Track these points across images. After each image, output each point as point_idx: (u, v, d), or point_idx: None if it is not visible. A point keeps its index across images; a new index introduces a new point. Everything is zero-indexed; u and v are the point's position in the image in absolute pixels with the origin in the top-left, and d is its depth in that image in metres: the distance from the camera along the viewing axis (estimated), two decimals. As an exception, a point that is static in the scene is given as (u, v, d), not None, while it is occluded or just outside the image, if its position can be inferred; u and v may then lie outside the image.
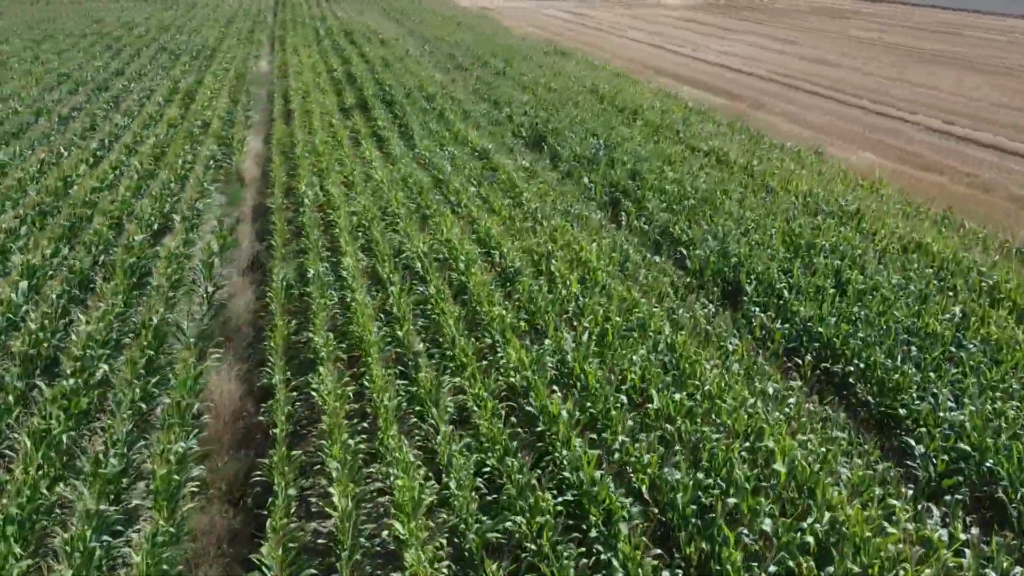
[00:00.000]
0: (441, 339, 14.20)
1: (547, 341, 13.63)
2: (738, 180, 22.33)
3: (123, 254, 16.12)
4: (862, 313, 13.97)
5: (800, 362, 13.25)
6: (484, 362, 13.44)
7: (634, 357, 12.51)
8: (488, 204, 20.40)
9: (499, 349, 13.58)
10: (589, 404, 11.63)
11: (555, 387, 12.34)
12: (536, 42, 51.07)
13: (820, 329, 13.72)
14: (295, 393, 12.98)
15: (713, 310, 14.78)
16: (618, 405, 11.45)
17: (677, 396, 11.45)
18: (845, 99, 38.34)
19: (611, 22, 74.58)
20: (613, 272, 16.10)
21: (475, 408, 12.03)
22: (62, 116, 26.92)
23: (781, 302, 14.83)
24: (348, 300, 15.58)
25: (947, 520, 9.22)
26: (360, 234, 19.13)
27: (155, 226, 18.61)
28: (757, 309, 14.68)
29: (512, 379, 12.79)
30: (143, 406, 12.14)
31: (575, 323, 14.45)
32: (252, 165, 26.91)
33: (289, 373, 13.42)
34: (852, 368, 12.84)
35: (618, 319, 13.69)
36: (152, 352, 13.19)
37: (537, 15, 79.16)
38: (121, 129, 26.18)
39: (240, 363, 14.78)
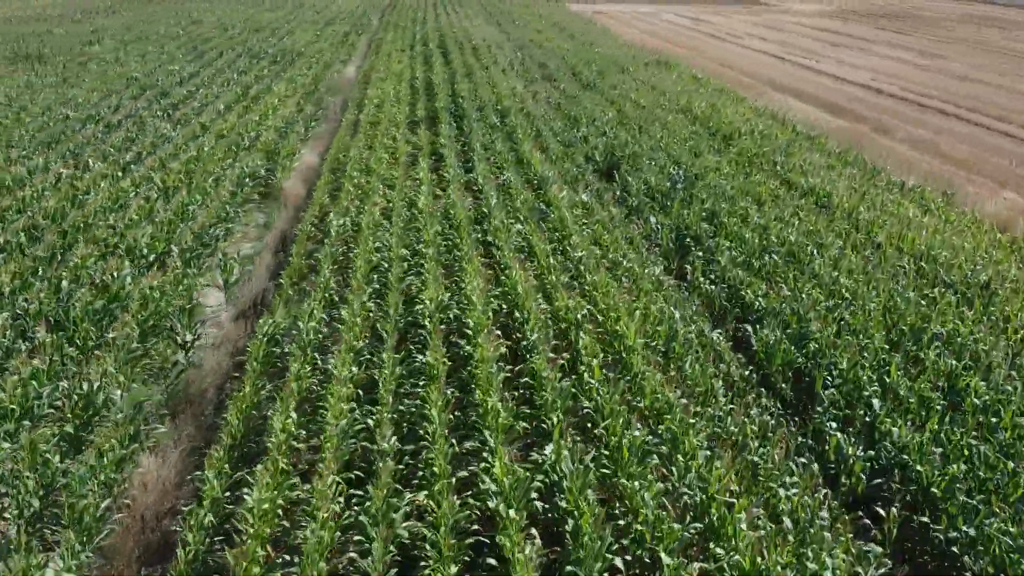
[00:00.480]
0: (420, 432, 11.50)
1: (548, 450, 10.69)
2: (838, 230, 18.48)
3: (89, 295, 14.26)
4: (981, 449, 10.22)
5: (883, 515, 9.70)
6: (461, 474, 10.66)
7: (647, 496, 9.37)
8: (528, 249, 17.51)
9: (485, 457, 10.75)
10: (571, 568, 8.61)
11: (533, 530, 9.40)
12: (640, 51, 47.61)
13: (918, 467, 10.10)
14: (227, 494, 10.62)
15: (773, 421, 11.35)
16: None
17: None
18: (990, 123, 33.03)
19: (731, 29, 69.81)
20: (653, 356, 12.91)
21: (427, 547, 9.27)
22: (111, 124, 25.96)
23: (868, 417, 11.24)
24: (330, 368, 13.13)
25: None
26: (376, 278, 16.70)
27: (151, 257, 16.81)
28: (833, 425, 11.16)
29: (490, 504, 9.93)
30: (35, 504, 10.05)
31: (588, 427, 11.41)
32: (297, 183, 25.09)
33: (228, 467, 11.05)
34: (958, 536, 9.20)
35: (638, 434, 10.54)
36: (71, 430, 11.14)
37: (652, 21, 75.29)
38: (164, 140, 24.91)
39: (192, 440, 12.58)
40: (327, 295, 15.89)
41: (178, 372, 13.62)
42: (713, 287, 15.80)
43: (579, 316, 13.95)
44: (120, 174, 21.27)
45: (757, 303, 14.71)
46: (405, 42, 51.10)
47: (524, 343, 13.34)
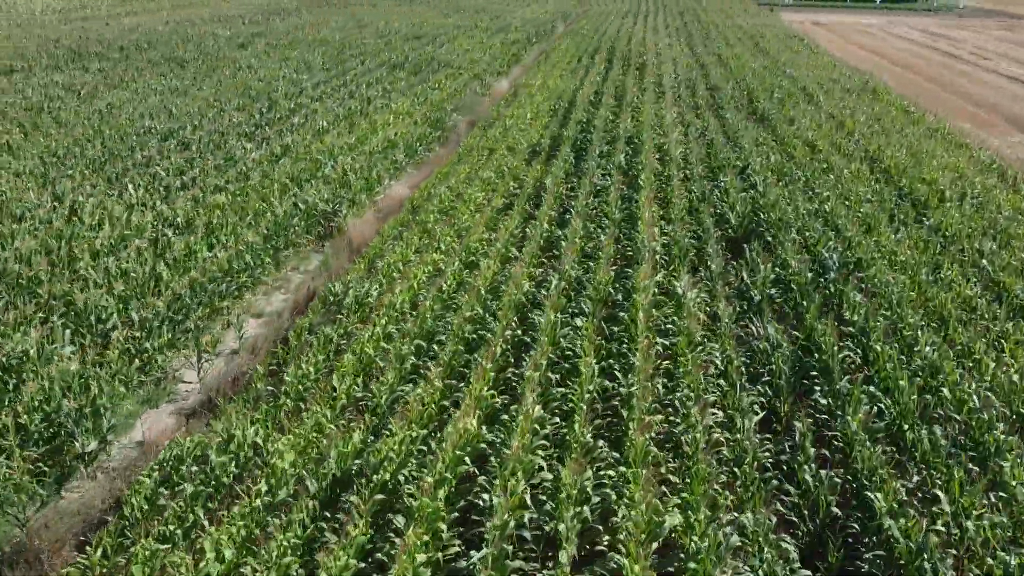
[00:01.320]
0: None
1: None
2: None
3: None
4: None
5: None
6: None
7: None
8: (567, 391, 12.54)
9: None
10: None
11: None
12: (845, 73, 40.06)
13: None
14: None
15: None
16: None
17: None
18: None
19: (977, 47, 58.90)
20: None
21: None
22: (187, 141, 23.92)
23: None
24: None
25: None
26: (357, 390, 12.72)
27: (109, 323, 13.83)
28: None
29: None
30: None
31: None
32: (372, 223, 21.69)
33: None
34: None
35: None
36: None
37: (876, 35, 65.54)
38: (230, 163, 22.41)
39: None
40: (281, 411, 12.08)
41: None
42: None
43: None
44: (131, 206, 18.71)
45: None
46: (577, 54, 46.92)
47: None
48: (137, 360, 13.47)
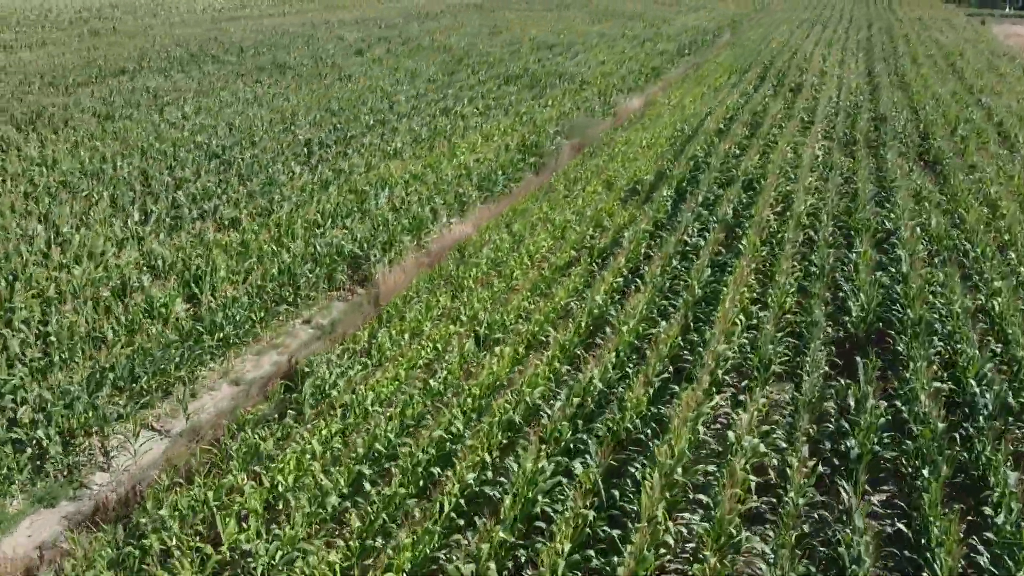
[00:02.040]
0: None
1: None
2: None
3: None
4: None
5: None
6: None
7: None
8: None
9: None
10: None
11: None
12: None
13: None
14: None
15: None
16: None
17: None
18: None
19: None
20: None
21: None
22: (229, 161, 21.79)
23: None
24: None
25: None
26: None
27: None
28: None
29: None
30: None
31: None
32: (406, 275, 18.55)
33: None
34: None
35: None
36: None
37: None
38: (267, 189, 19.98)
39: None
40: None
41: None
42: None
43: None
44: (143, 238, 16.52)
45: None
46: (730, 69, 41.78)
47: None
48: (28, 450, 11.03)
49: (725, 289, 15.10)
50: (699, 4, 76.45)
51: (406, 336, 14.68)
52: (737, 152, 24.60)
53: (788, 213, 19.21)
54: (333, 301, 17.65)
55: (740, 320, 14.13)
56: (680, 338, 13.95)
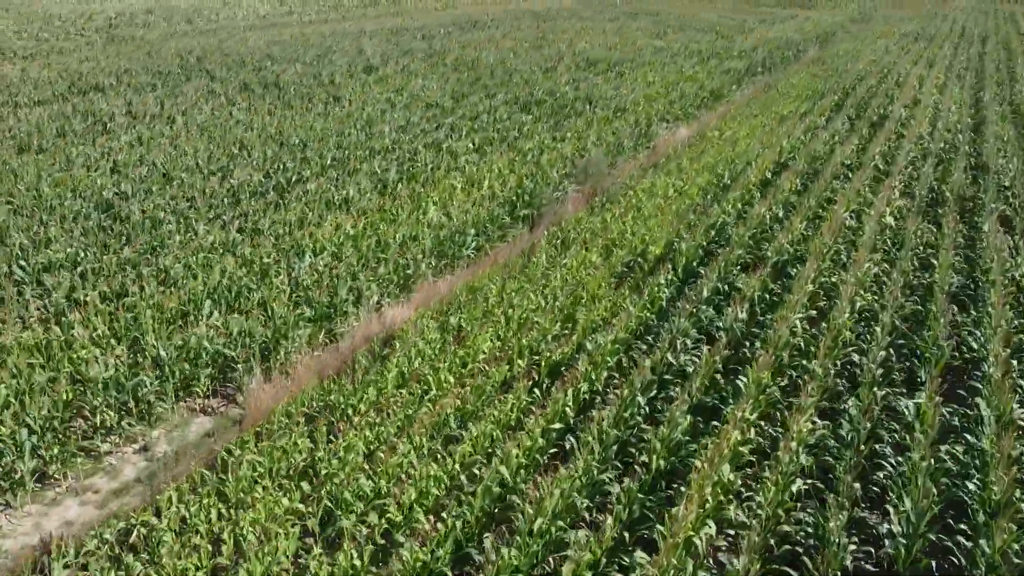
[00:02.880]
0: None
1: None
2: None
3: None
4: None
5: None
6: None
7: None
8: None
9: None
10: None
11: None
12: None
13: None
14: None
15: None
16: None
17: None
18: None
19: None
20: None
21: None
22: (123, 216, 17.79)
23: None
24: None
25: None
26: None
27: None
28: None
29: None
30: None
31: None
32: (273, 389, 14.12)
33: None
34: None
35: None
36: None
37: None
38: (144, 256, 15.89)
39: None
40: None
41: None
42: None
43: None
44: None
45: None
46: (804, 93, 35.90)
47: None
48: None
49: (699, 460, 10.04)
50: (790, 14, 69.86)
51: (227, 508, 10.26)
52: (779, 215, 19.18)
53: (825, 323, 13.81)
54: (197, 415, 13.48)
55: (706, 534, 9.06)
56: (605, 558, 9.01)
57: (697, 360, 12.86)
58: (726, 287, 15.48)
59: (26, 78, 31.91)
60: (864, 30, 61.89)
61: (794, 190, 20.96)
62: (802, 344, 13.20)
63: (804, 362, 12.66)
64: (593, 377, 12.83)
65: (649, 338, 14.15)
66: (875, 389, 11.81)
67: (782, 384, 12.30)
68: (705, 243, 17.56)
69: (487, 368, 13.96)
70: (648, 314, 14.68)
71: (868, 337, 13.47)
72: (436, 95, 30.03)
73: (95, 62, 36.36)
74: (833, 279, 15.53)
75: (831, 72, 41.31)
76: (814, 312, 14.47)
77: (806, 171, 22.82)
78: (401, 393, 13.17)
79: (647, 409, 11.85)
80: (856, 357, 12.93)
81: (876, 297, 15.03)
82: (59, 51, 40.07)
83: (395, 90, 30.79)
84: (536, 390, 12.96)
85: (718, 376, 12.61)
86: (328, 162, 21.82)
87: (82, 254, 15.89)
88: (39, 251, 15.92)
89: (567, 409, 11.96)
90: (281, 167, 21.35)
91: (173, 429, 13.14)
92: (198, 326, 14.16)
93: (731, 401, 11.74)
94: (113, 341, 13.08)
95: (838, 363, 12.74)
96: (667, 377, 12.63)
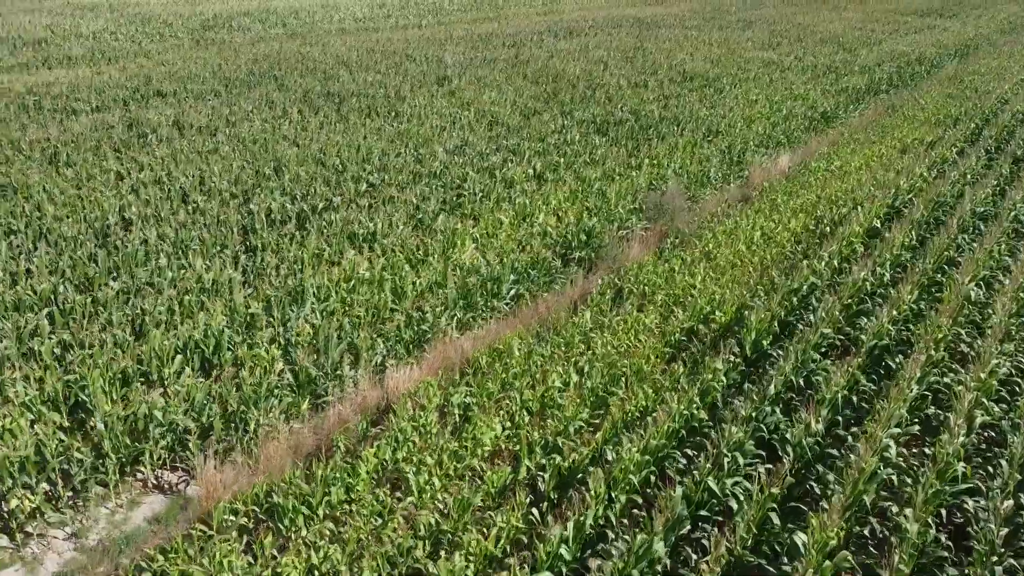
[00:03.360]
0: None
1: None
2: None
3: None
4: None
5: None
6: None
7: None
8: None
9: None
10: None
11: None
12: None
13: None
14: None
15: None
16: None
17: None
18: None
19: None
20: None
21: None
22: (114, 243, 16.07)
23: None
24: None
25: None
26: None
27: None
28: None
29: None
30: None
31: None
32: (229, 474, 11.91)
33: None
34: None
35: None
36: None
37: None
38: (121, 300, 14.06)
39: None
40: None
41: None
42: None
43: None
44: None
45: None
46: (936, 116, 31.52)
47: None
48: None
49: None
50: (927, 24, 63.84)
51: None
52: (884, 278, 15.66)
53: (930, 446, 10.46)
54: (151, 492, 11.53)
55: None
56: None
57: (749, 488, 9.85)
58: (801, 380, 12.29)
59: (96, 82, 31.45)
60: (1014, 43, 55.55)
61: (907, 245, 17.33)
62: (895, 480, 9.96)
63: (894, 508, 9.44)
64: (610, 499, 10.04)
65: (691, 445, 11.20)
66: (996, 567, 8.52)
67: (860, 541, 9.15)
68: (783, 313, 14.34)
69: (485, 468, 11.37)
70: (698, 412, 11.70)
71: (989, 473, 10.09)
72: (504, 111, 27.54)
73: (171, 66, 35.82)
74: (946, 379, 12.10)
75: (969, 93, 36.46)
76: (916, 426, 11.12)
77: (925, 220, 19.08)
78: (375, 494, 10.76)
79: (667, 563, 8.96)
80: (970, 504, 9.61)
81: (1005, 412, 11.53)
82: (145, 54, 39.92)
83: (462, 104, 28.51)
84: (536, 509, 10.27)
85: (772, 515, 9.57)
86: (364, 187, 19.68)
87: (61, 289, 14.26)
88: (14, 285, 14.39)
89: (564, 551, 9.22)
90: (313, 191, 19.37)
91: (117, 511, 11.22)
92: (159, 388, 12.19)
93: (785, 562, 8.71)
94: (48, 407, 11.20)
95: (942, 513, 9.46)
96: (702, 514, 9.69)
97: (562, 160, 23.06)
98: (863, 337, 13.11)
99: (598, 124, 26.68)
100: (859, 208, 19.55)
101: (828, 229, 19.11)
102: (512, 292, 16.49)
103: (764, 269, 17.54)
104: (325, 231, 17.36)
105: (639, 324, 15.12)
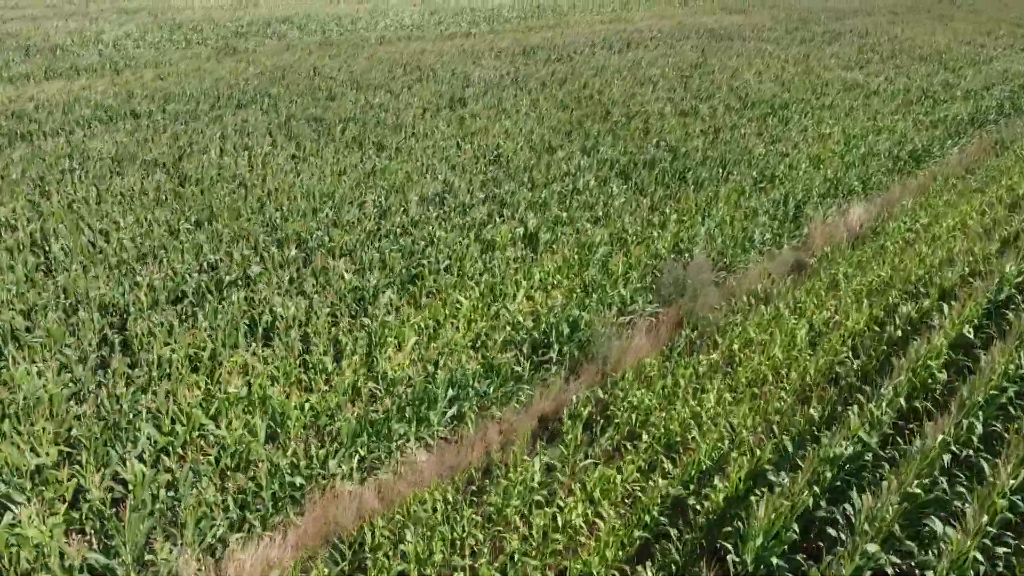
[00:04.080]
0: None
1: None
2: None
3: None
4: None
5: None
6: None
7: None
8: None
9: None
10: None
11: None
12: None
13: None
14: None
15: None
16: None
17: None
18: None
19: None
20: None
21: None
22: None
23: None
24: None
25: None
26: None
27: None
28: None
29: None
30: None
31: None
32: None
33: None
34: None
35: None
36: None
37: None
38: None
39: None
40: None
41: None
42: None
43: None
44: None
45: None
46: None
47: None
48: None
49: None
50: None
51: None
52: (977, 441, 10.76)
53: None
54: None
55: None
56: None
57: None
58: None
59: (77, 98, 28.67)
60: None
61: (1013, 375, 12.29)
62: None
63: None
64: None
65: None
66: None
67: None
68: (811, 502, 9.63)
69: None
70: None
71: None
72: (513, 146, 23.25)
73: (178, 78, 32.93)
74: None
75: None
76: None
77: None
78: None
79: None
80: None
81: None
82: (157, 63, 37.27)
83: (468, 135, 24.38)
84: None
85: None
86: (291, 253, 15.75)
87: None
88: None
89: None
90: (231, 255, 15.57)
91: None
92: None
93: None
94: None
95: None
96: None
97: (565, 214, 18.66)
98: (932, 561, 8.37)
99: (623, 165, 22.13)
100: (945, 309, 14.51)
101: (899, 332, 14.19)
102: (450, 413, 12.31)
103: (804, 393, 12.86)
104: (220, 316, 13.49)
105: (608, 484, 10.75)
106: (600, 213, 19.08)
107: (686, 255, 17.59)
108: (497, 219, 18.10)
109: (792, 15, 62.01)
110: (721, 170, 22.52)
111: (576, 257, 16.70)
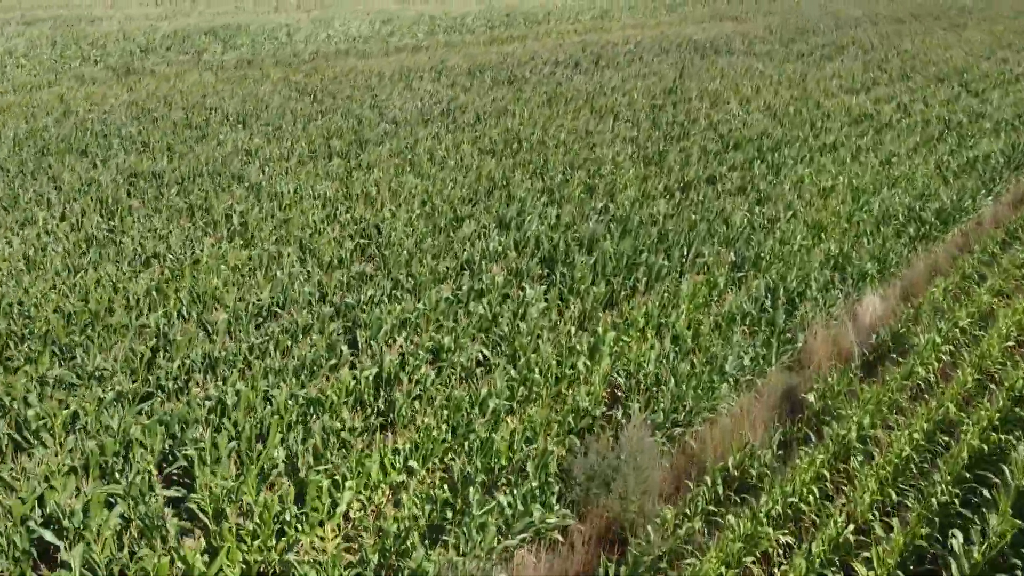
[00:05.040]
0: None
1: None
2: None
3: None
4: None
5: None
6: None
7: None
8: None
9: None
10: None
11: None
12: None
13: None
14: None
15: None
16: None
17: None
18: None
19: None
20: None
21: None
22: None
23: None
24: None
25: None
26: None
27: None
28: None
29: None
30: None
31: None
32: None
33: None
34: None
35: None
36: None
37: None
38: None
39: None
40: None
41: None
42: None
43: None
44: None
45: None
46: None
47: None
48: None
49: None
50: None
51: None
52: None
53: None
54: None
55: None
56: None
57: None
58: None
59: None
60: None
61: None
62: None
63: None
64: None
65: None
66: None
67: None
68: None
69: None
70: None
71: None
72: (406, 215, 17.40)
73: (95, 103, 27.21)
74: None
75: None
76: None
77: None
78: None
79: None
80: None
81: None
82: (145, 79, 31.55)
83: (351, 197, 18.54)
84: None
85: None
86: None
87: None
88: None
89: None
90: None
91: None
92: None
93: None
94: None
95: None
96: None
97: (448, 339, 12.83)
98: None
99: (550, 247, 16.32)
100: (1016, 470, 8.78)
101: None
102: None
103: None
104: None
105: None
106: (502, 332, 13.31)
107: (623, 408, 11.88)
108: (338, 355, 12.29)
109: (788, 23, 56.48)
110: (687, 249, 16.77)
111: (445, 426, 10.95)
